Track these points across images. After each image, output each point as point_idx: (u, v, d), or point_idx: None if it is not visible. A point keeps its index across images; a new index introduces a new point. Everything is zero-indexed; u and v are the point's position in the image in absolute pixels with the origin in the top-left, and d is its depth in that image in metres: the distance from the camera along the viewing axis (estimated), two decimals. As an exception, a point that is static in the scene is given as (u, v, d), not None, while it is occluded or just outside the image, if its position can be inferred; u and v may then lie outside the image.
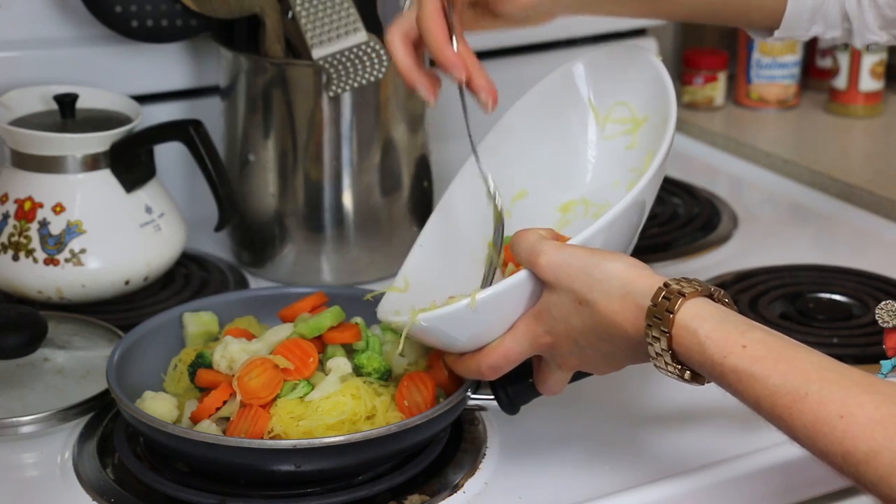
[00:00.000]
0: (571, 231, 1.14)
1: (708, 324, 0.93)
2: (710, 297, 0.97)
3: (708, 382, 0.96)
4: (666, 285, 0.96)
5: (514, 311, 1.04)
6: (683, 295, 0.94)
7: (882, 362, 1.15)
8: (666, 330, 0.94)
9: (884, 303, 1.13)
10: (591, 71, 1.23)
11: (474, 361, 1.07)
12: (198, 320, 1.24)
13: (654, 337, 0.95)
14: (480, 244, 1.21)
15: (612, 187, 1.20)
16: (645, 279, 0.97)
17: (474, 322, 1.04)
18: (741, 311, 0.97)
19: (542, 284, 1.02)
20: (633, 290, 0.97)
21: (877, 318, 1.12)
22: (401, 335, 1.08)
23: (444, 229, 1.23)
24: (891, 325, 1.11)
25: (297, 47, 1.43)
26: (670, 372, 0.96)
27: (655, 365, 0.97)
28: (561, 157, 1.24)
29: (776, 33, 1.23)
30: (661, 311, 0.95)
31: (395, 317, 1.11)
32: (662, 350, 0.95)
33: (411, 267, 1.22)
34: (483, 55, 1.78)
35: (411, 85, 1.14)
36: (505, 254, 1.18)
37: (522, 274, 1.03)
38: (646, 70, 1.18)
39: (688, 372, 0.96)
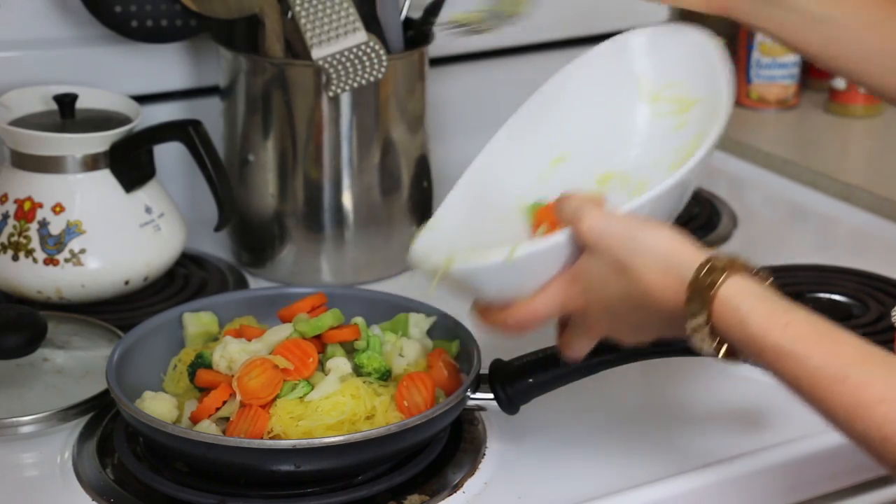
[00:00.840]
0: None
1: (751, 300, 0.92)
2: (755, 275, 0.96)
3: (743, 361, 0.95)
4: (709, 259, 0.95)
5: (549, 270, 1.02)
6: (728, 270, 0.94)
7: None
8: (707, 304, 0.93)
9: None
10: (648, 46, 1.20)
11: (502, 315, 1.05)
12: (197, 320, 1.24)
13: (694, 311, 0.94)
14: (514, 202, 1.17)
15: (654, 165, 1.17)
16: (689, 252, 0.96)
17: (508, 277, 1.02)
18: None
19: (580, 248, 1.01)
20: (676, 262, 0.96)
21: (893, 320, 1.12)
22: (432, 279, 1.05)
23: (478, 184, 1.19)
24: None
25: (296, 47, 1.43)
26: (706, 347, 0.95)
27: (691, 339, 0.96)
28: (606, 128, 1.20)
29: None
30: (703, 285, 0.94)
31: (428, 261, 1.07)
32: (701, 324, 0.94)
33: (443, 215, 1.17)
34: (484, 55, 1.79)
35: None
36: (539, 214, 1.15)
37: (563, 235, 1.01)
38: (703, 53, 1.16)
39: (724, 348, 0.95)
